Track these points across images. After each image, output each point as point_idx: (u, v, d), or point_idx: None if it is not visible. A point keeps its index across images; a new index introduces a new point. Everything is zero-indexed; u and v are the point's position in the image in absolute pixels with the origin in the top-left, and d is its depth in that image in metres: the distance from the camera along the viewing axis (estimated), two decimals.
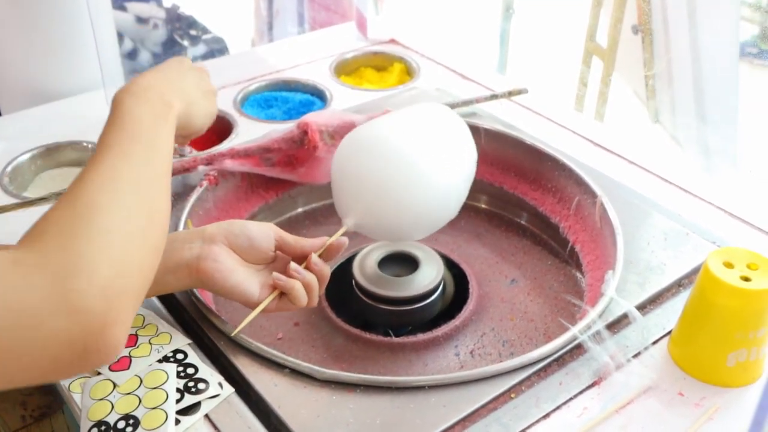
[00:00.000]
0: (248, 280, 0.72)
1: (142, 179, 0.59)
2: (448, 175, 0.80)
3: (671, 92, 1.58)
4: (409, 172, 0.77)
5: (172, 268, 0.70)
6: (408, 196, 0.77)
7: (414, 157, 0.78)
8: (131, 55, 1.44)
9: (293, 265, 0.73)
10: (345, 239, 0.77)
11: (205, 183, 0.96)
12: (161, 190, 0.62)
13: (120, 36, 1.42)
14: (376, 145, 0.79)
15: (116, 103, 0.65)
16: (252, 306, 0.72)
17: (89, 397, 0.68)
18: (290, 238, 0.75)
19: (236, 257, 0.73)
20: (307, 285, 0.72)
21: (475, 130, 1.07)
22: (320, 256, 0.75)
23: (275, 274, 0.72)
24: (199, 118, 0.76)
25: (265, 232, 0.74)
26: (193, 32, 1.52)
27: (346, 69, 1.35)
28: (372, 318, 0.90)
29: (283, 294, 0.72)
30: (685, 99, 1.54)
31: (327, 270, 0.75)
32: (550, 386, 0.71)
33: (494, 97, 1.15)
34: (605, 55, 1.57)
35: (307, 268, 0.73)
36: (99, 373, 0.71)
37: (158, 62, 1.56)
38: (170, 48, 1.49)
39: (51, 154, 1.07)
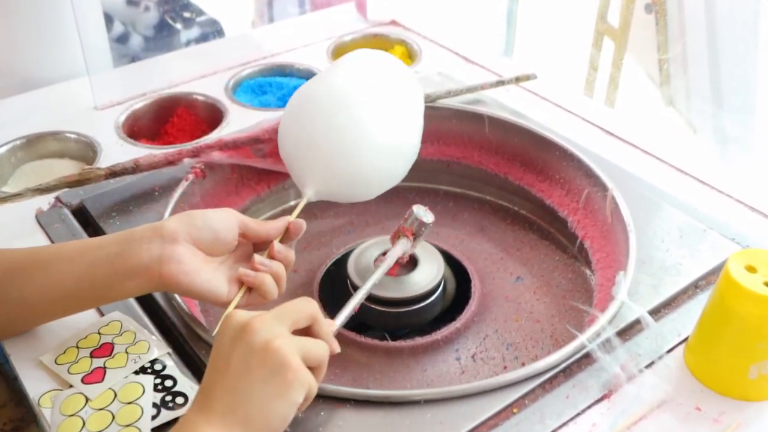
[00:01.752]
0: (215, 278, 0.66)
1: None
2: (401, 127, 0.76)
3: (686, 77, 1.51)
4: (357, 125, 0.73)
5: (129, 271, 0.64)
6: (359, 152, 0.73)
7: (361, 109, 0.74)
8: (121, 39, 1.38)
9: (258, 257, 0.67)
10: (302, 222, 0.71)
11: (191, 176, 0.91)
12: None
13: (110, 19, 1.37)
14: (323, 104, 0.75)
15: None
16: (221, 304, 0.66)
17: (59, 412, 0.64)
18: (254, 224, 0.69)
19: (200, 254, 0.66)
20: (275, 276, 0.67)
21: (479, 117, 1.02)
22: (280, 240, 0.70)
23: (242, 270, 0.66)
24: (272, 423, 0.55)
25: (229, 222, 0.68)
26: (186, 14, 1.46)
27: (344, 52, 1.27)
28: (367, 320, 0.85)
29: (250, 289, 0.67)
30: (700, 83, 1.47)
31: (292, 255, 0.70)
32: (555, 400, 0.66)
33: (501, 83, 1.10)
34: (617, 36, 1.50)
35: (269, 256, 0.68)
36: (71, 386, 0.66)
37: (149, 47, 1.53)
38: (162, 31, 1.43)
39: (32, 146, 1.02)
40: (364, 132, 0.75)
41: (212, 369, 0.56)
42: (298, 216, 0.72)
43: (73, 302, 0.67)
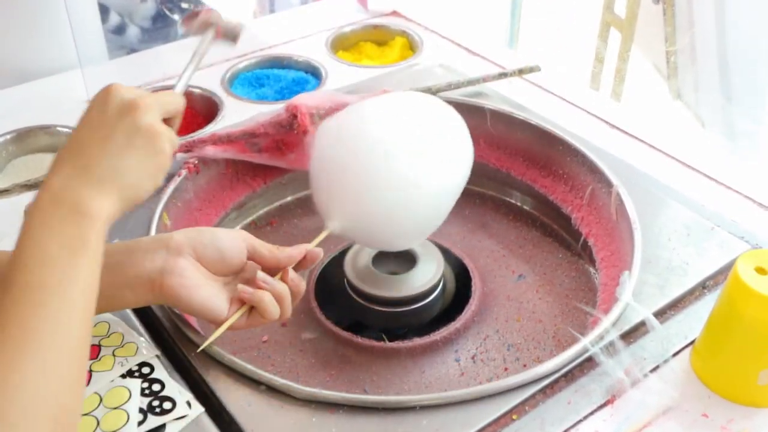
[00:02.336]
0: (216, 296, 0.63)
1: (47, 366, 0.47)
2: (441, 175, 0.72)
3: (695, 69, 1.48)
4: (399, 172, 0.69)
5: (130, 281, 0.62)
6: (398, 200, 0.69)
7: (405, 155, 0.70)
8: (118, 31, 1.35)
9: (261, 274, 0.64)
10: (320, 251, 0.69)
11: (184, 172, 0.88)
12: (73, 369, 0.49)
13: (106, 10, 1.35)
14: (362, 139, 0.71)
15: (24, 228, 0.52)
16: (219, 323, 0.64)
17: None
18: (264, 249, 0.66)
19: (203, 270, 0.64)
20: (277, 296, 0.64)
21: (481, 111, 1.00)
22: (294, 267, 0.67)
23: (240, 286, 0.64)
24: (141, 195, 0.59)
25: (237, 242, 0.66)
26: (184, 5, 1.44)
27: (344, 44, 1.26)
28: (365, 320, 0.83)
29: (252, 308, 0.64)
30: (709, 76, 1.44)
31: (303, 285, 0.67)
32: (557, 406, 0.64)
33: (503, 75, 1.07)
34: (624, 27, 1.47)
35: (282, 281, 0.66)
36: None
37: (147, 38, 1.50)
38: (160, 22, 1.41)
39: (23, 140, 1.00)
40: (402, 183, 0.70)
41: (90, 135, 0.57)
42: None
43: None
